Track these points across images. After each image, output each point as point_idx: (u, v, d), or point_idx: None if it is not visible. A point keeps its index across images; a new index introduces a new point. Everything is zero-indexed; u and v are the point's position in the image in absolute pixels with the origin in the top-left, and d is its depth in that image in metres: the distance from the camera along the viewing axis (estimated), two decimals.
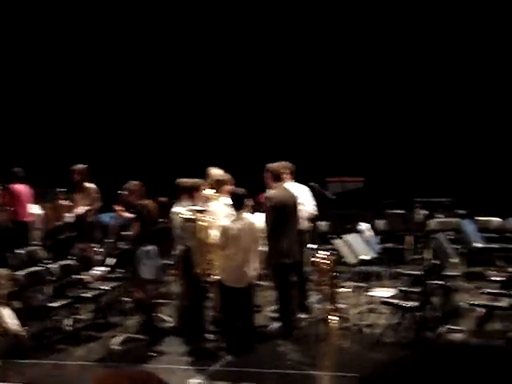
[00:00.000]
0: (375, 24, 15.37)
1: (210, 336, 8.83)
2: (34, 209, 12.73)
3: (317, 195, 11.36)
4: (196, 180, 9.30)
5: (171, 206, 10.02)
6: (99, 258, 10.85)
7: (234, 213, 8.46)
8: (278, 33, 15.85)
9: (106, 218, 12.86)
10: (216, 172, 9.59)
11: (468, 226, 10.32)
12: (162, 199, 13.47)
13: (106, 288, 9.85)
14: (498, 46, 14.77)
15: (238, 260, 8.11)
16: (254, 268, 8.33)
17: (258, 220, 8.55)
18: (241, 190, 8.56)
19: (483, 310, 8.91)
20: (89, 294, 9.48)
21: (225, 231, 8.21)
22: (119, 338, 8.99)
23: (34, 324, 9.37)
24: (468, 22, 14.58)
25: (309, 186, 10.56)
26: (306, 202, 9.64)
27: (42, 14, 16.61)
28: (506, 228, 12.29)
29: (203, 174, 9.51)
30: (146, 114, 16.92)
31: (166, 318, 9.75)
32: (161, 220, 11.12)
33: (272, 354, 8.55)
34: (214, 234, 8.44)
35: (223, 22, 16.15)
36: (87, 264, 10.66)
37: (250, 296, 8.45)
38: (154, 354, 8.54)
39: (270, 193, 9.13)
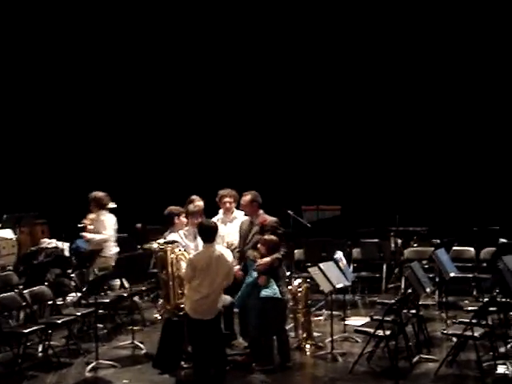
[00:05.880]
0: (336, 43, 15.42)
1: (184, 365, 8.73)
2: (5, 233, 12.72)
3: (293, 222, 11.42)
4: (175, 207, 9.32)
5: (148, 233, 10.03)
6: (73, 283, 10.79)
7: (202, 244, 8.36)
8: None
9: (81, 243, 12.79)
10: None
11: (442, 256, 10.35)
12: (138, 226, 13.51)
13: (78, 314, 9.78)
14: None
15: (202, 292, 7.89)
16: (219, 300, 8.16)
17: (227, 252, 8.37)
18: (210, 222, 8.47)
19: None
20: (61, 320, 9.38)
21: (191, 263, 8.07)
22: (91, 365, 8.90)
23: (5, 350, 9.28)
24: (466, 29, 14.48)
25: (285, 214, 10.59)
26: None
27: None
28: (479, 258, 12.39)
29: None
30: None
31: (139, 344, 9.69)
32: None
33: (246, 382, 8.50)
34: (183, 267, 8.36)
35: None
36: (62, 290, 10.60)
37: (217, 326, 8.28)
38: (127, 381, 8.47)
39: None
